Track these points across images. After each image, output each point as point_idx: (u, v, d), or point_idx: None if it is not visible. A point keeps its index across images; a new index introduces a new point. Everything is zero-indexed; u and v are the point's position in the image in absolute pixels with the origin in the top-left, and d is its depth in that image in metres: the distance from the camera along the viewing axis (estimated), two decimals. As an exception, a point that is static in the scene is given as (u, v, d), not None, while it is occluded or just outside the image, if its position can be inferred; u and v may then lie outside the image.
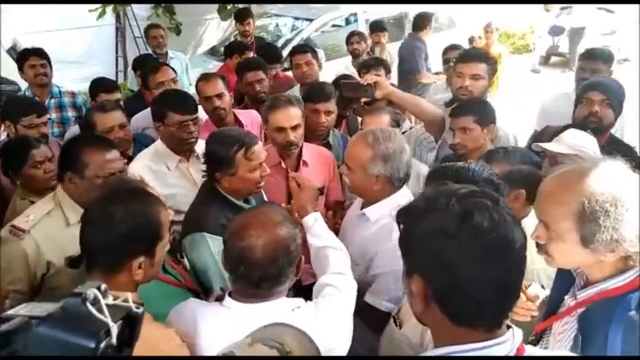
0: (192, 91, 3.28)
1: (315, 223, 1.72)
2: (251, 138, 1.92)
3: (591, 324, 1.16)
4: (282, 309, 1.29)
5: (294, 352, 0.90)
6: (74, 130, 3.25)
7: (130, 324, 0.65)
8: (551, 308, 1.34)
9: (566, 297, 1.28)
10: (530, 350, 0.92)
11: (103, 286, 0.63)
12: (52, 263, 1.76)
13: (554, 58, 10.30)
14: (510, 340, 0.87)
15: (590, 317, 1.18)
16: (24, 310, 0.63)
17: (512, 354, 0.87)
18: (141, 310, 0.66)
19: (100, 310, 0.61)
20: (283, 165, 2.35)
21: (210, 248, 1.77)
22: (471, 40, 6.03)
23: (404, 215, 0.95)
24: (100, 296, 0.62)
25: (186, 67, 5.01)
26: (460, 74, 2.56)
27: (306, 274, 2.12)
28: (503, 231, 0.83)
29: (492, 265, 0.83)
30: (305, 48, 3.88)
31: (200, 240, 1.79)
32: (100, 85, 3.27)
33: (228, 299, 1.32)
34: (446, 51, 4.24)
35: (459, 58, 2.75)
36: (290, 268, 1.29)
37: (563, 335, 1.24)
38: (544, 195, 1.20)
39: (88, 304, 0.60)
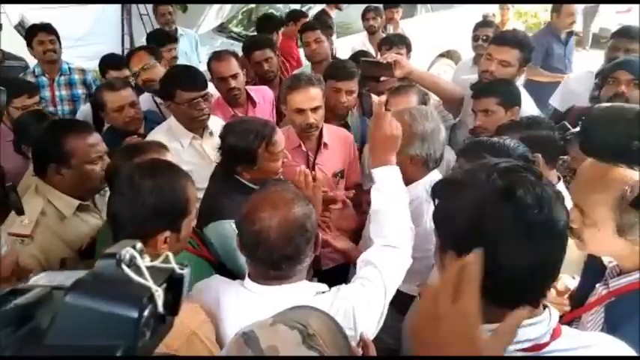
0: (202, 68, 3.22)
1: (385, 177, 1.50)
2: (270, 128, 1.87)
3: (621, 315, 1.13)
4: (303, 292, 1.26)
5: (319, 334, 0.88)
6: (86, 109, 3.19)
7: (174, 287, 0.54)
8: (580, 297, 1.30)
9: (597, 285, 1.24)
10: (566, 331, 0.89)
11: (139, 245, 0.54)
12: (66, 258, 1.72)
13: (567, 37, 10.07)
14: (547, 320, 0.85)
15: (619, 308, 1.14)
16: (43, 280, 0.54)
17: (548, 335, 0.84)
18: (185, 270, 0.56)
19: (139, 273, 0.51)
20: (304, 148, 2.31)
21: (235, 234, 1.74)
22: (485, 17, 5.88)
23: (441, 189, 0.91)
24: (137, 256, 0.52)
25: (196, 44, 4.93)
26: (489, 56, 2.46)
27: (326, 258, 2.10)
28: (546, 208, 0.80)
29: (534, 244, 0.79)
30: (314, 25, 3.80)
31: (224, 228, 1.76)
32: (108, 62, 3.23)
33: (248, 281, 1.29)
34: (476, 27, 3.97)
35: (492, 39, 2.66)
36: (308, 245, 1.26)
37: (591, 324, 1.20)
38: (582, 179, 1.15)
39: (124, 266, 0.50)
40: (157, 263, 0.54)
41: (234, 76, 2.77)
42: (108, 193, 1.88)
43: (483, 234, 0.80)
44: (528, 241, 0.79)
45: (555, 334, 0.85)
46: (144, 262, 0.52)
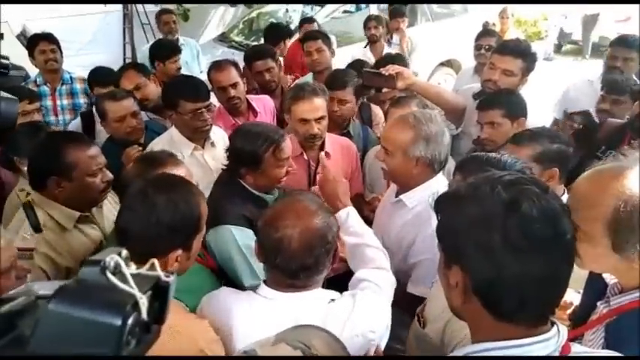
0: (203, 77, 3.21)
1: (349, 218, 1.63)
2: (280, 135, 1.88)
3: (622, 335, 1.09)
4: (319, 299, 1.26)
5: (321, 354, 0.87)
6: (76, 123, 3.14)
7: (159, 295, 0.53)
8: (582, 315, 1.27)
9: (598, 303, 1.20)
10: (576, 349, 0.87)
11: (124, 252, 0.53)
12: (70, 269, 1.70)
13: (566, 46, 10.12)
14: (555, 337, 0.82)
15: (621, 327, 1.10)
16: (32, 288, 0.53)
17: (556, 353, 0.82)
18: (171, 278, 0.55)
19: (124, 280, 0.49)
20: (305, 157, 2.30)
21: (237, 240, 1.73)
22: (485, 26, 5.91)
23: (443, 203, 0.90)
24: (122, 263, 0.50)
25: (197, 54, 4.93)
26: (492, 66, 2.46)
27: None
28: (552, 221, 0.78)
29: (540, 257, 0.77)
30: (316, 34, 3.79)
31: (225, 232, 1.75)
32: (96, 78, 3.20)
33: (264, 287, 1.28)
34: (479, 36, 3.97)
35: (495, 48, 2.65)
36: (327, 257, 1.25)
37: (592, 343, 1.17)
38: (576, 194, 1.12)
39: (109, 274, 0.49)
40: (142, 271, 0.53)
41: (234, 85, 2.76)
42: (105, 206, 1.89)
43: (488, 248, 0.78)
44: (534, 255, 0.77)
45: (564, 352, 0.83)
46: (129, 269, 0.50)
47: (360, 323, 1.24)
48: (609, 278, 1.21)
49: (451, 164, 2.10)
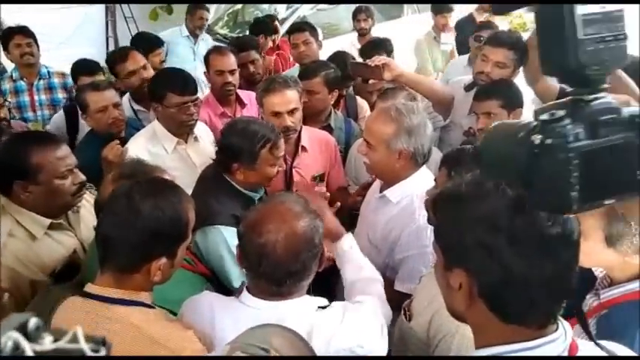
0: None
1: (351, 249, 1.54)
2: (276, 133, 1.86)
3: (615, 327, 1.08)
4: (305, 307, 1.20)
5: (283, 354, 0.82)
6: (58, 117, 3.04)
7: None
8: (569, 308, 1.27)
9: (587, 296, 1.19)
10: (583, 346, 0.85)
11: (33, 322, 0.40)
12: (36, 281, 1.58)
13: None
14: (562, 336, 0.80)
15: (612, 320, 1.09)
16: None
17: (566, 352, 0.80)
18: (101, 352, 0.43)
19: None
20: None
21: (227, 241, 1.69)
22: (473, 17, 5.87)
23: (443, 202, 0.85)
24: (23, 344, 0.38)
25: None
26: (485, 58, 2.44)
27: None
28: (560, 220, 0.75)
29: (548, 257, 0.75)
30: (303, 26, 3.77)
31: (215, 233, 1.71)
32: (81, 67, 3.10)
33: (246, 295, 1.21)
34: (478, 28, 3.82)
35: (487, 40, 2.63)
36: (314, 261, 1.19)
37: (582, 337, 1.16)
38: None
39: None
40: (61, 344, 0.40)
41: (232, 72, 2.79)
42: (83, 209, 1.78)
43: (494, 248, 0.75)
44: (542, 254, 0.75)
45: (572, 351, 0.81)
46: (40, 346, 0.38)
47: (349, 337, 1.18)
48: (597, 271, 1.20)
49: (437, 156, 2.08)
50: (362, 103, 3.03)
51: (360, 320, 1.23)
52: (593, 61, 0.63)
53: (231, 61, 2.80)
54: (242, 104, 2.90)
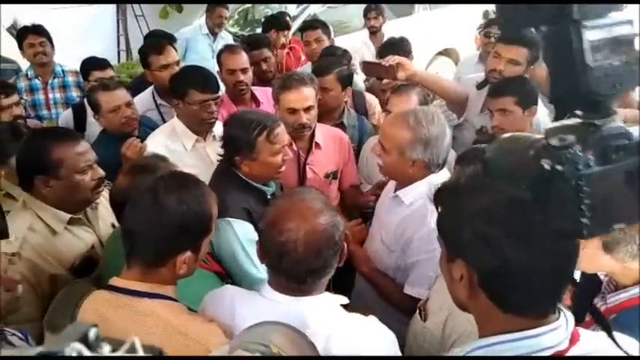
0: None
1: None
2: (273, 120, 1.83)
3: (622, 333, 1.07)
4: (327, 304, 1.19)
5: (285, 351, 0.82)
6: (67, 114, 3.05)
7: None
8: (576, 313, 1.25)
9: (595, 300, 1.18)
10: (584, 335, 0.84)
11: (93, 332, 0.40)
12: (57, 276, 1.61)
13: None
14: (564, 325, 0.80)
15: (620, 326, 1.06)
16: None
17: (566, 341, 0.80)
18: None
19: None
20: (294, 147, 2.26)
21: (237, 235, 1.69)
22: (486, 14, 5.83)
23: (443, 195, 0.87)
24: (86, 354, 0.38)
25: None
26: (497, 55, 2.41)
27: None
28: None
29: (546, 248, 0.75)
30: (315, 24, 3.76)
31: (226, 227, 1.71)
32: (92, 64, 3.12)
33: (267, 289, 1.21)
34: (488, 24, 3.75)
35: (500, 37, 2.60)
36: (335, 258, 1.19)
37: None
38: None
39: None
40: (120, 353, 0.40)
41: (244, 71, 2.77)
42: (100, 206, 1.80)
43: (494, 240, 0.76)
44: (540, 246, 0.75)
45: (574, 339, 0.81)
46: (102, 353, 0.39)
47: (361, 345, 1.15)
48: (603, 275, 1.19)
49: (452, 156, 2.07)
50: (370, 100, 3.01)
51: (374, 333, 1.20)
52: (603, 87, 0.64)
53: (243, 59, 2.78)
54: (257, 102, 2.88)
